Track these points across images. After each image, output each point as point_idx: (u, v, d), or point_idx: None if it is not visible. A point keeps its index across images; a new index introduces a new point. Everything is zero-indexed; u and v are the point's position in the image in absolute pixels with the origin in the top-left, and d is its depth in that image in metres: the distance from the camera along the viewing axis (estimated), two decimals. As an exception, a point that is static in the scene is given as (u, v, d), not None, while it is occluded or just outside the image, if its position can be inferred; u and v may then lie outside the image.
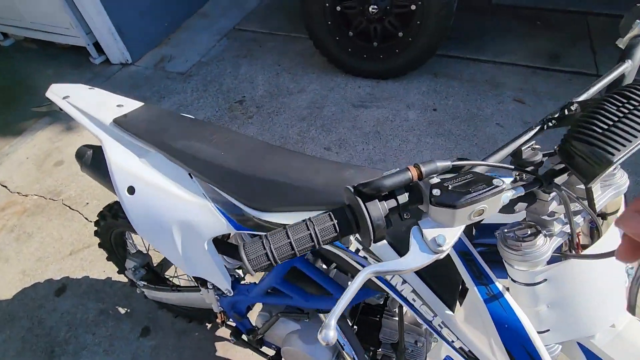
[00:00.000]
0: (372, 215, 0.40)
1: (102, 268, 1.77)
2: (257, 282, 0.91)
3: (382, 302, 0.88)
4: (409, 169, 0.42)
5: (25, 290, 1.74)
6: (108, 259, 1.47)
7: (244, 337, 1.11)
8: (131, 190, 0.84)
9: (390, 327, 0.87)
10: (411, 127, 2.29)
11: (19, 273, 1.80)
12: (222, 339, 1.51)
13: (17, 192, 2.17)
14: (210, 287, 1.01)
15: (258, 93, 2.63)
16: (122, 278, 1.71)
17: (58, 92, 0.98)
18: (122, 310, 1.63)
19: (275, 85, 2.68)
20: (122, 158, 0.86)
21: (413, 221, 0.45)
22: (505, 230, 0.53)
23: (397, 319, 0.87)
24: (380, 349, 0.90)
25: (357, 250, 0.67)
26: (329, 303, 0.79)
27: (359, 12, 2.39)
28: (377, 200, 0.42)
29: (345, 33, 2.49)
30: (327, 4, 2.37)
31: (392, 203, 0.42)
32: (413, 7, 2.24)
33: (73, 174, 2.23)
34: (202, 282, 1.02)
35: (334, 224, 0.43)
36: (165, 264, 1.39)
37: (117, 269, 1.51)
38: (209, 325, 1.55)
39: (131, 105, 0.96)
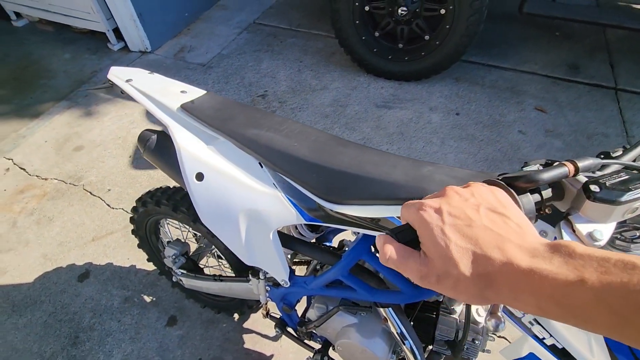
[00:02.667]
0: (525, 208, 0.41)
1: (125, 255, 1.76)
2: (315, 275, 0.91)
3: (440, 299, 0.89)
4: (566, 164, 0.42)
5: (47, 274, 1.72)
6: (139, 246, 1.46)
7: (288, 329, 1.11)
8: (200, 176, 0.84)
9: (447, 324, 0.87)
10: (434, 129, 2.30)
11: (40, 257, 1.78)
12: (249, 330, 1.50)
13: (36, 176, 2.14)
14: (262, 277, 1.01)
15: (280, 88, 2.63)
16: (146, 266, 1.70)
17: (120, 75, 0.97)
18: (147, 299, 1.61)
19: (298, 82, 2.68)
20: (190, 144, 0.85)
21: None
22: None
23: (454, 316, 0.88)
24: (432, 346, 0.91)
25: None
26: (397, 298, 0.79)
27: (387, 13, 2.40)
28: (528, 193, 0.42)
29: (372, 33, 2.49)
30: (357, 3, 2.38)
31: (536, 197, 0.43)
32: (442, 11, 2.26)
33: (93, 159, 2.21)
34: (253, 273, 1.02)
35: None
36: (201, 253, 1.38)
37: (147, 257, 1.50)
38: (236, 317, 1.54)
39: (195, 92, 0.95)
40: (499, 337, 0.92)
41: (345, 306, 0.88)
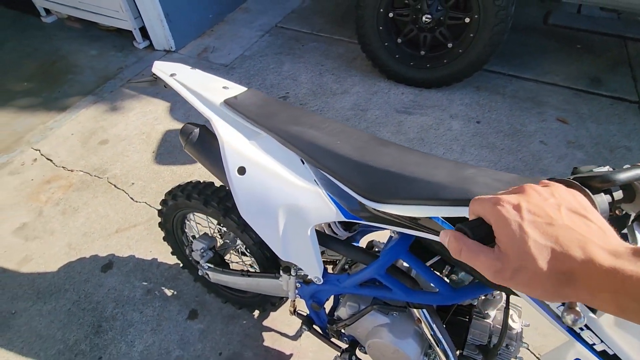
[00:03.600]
0: (600, 208, 0.42)
1: (148, 248, 1.79)
2: (349, 274, 0.92)
3: (474, 304, 0.89)
4: None
5: (71, 263, 1.75)
6: (165, 239, 1.49)
7: (315, 327, 1.12)
8: (242, 170, 0.86)
9: (481, 328, 0.88)
10: (455, 137, 2.31)
11: (65, 246, 1.81)
12: (269, 328, 1.52)
13: (63, 167, 2.19)
14: (294, 274, 1.02)
15: (302, 91, 2.66)
16: (168, 260, 1.73)
17: (164, 69, 1.00)
18: (168, 292, 1.64)
19: (319, 85, 2.71)
20: (233, 138, 0.87)
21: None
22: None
23: (488, 321, 0.88)
24: (463, 351, 0.91)
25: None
26: (433, 298, 0.80)
27: (411, 20, 2.42)
28: (602, 193, 0.43)
29: (394, 40, 2.52)
30: (381, 10, 2.40)
31: (608, 198, 0.44)
32: (467, 19, 2.27)
33: (118, 153, 2.25)
34: (284, 269, 1.04)
35: None
36: (226, 249, 1.40)
37: (171, 250, 1.53)
38: (256, 314, 1.55)
39: (236, 88, 0.98)
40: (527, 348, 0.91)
41: (379, 305, 0.89)
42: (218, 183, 1.26)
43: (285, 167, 0.85)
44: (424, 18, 2.35)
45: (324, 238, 0.92)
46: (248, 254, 1.39)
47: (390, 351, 0.88)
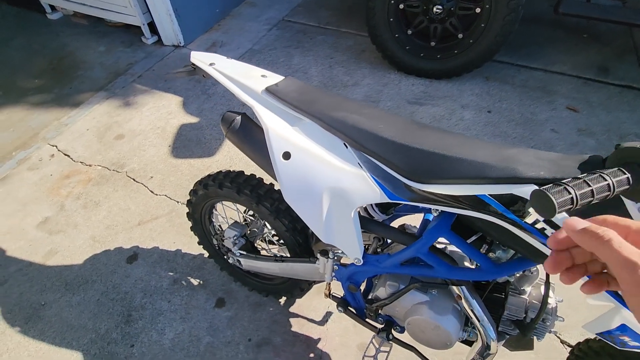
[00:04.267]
0: None
1: (171, 240, 1.82)
2: (390, 253, 0.95)
3: (511, 279, 0.93)
4: None
5: (97, 255, 1.78)
6: (192, 229, 1.52)
7: (350, 308, 1.15)
8: (287, 155, 0.89)
9: (517, 304, 0.91)
10: (467, 126, 2.34)
11: (89, 239, 1.84)
12: (296, 314, 1.55)
13: (81, 162, 2.21)
14: (332, 257, 1.05)
15: (313, 83, 2.68)
16: (193, 250, 1.76)
17: (202, 59, 1.02)
18: (194, 282, 1.67)
19: (329, 77, 2.73)
20: (277, 124, 0.90)
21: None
22: None
23: (524, 296, 0.92)
24: (499, 327, 0.94)
25: (535, 222, 0.72)
26: (476, 274, 0.84)
27: (422, 12, 2.44)
28: None
29: (404, 31, 2.53)
30: (392, 1, 2.42)
31: None
32: (478, 9, 2.29)
33: (134, 148, 2.27)
34: (322, 252, 1.07)
35: (627, 177, 0.48)
36: (256, 236, 1.43)
37: (198, 240, 1.55)
38: (282, 301, 1.59)
39: (274, 77, 1.00)
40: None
41: (419, 283, 0.93)
42: (249, 171, 1.29)
43: (329, 151, 0.88)
44: (434, 9, 2.37)
45: (365, 221, 0.95)
46: (276, 241, 1.42)
47: (430, 327, 0.92)
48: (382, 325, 1.10)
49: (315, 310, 1.56)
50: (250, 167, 2.10)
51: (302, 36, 3.15)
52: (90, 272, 1.72)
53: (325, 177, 0.87)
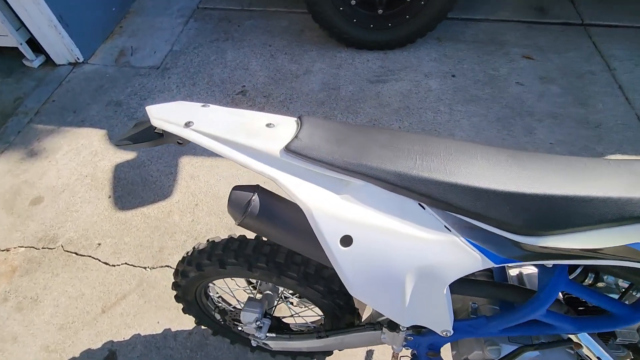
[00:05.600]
0: None
1: (153, 319, 1.46)
2: (486, 316, 0.76)
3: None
4: None
5: (59, 370, 1.37)
6: (185, 311, 1.20)
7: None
8: (347, 241, 0.62)
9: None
10: (438, 97, 2.19)
11: (40, 351, 1.41)
12: (333, 366, 1.34)
13: (-8, 248, 1.68)
14: (403, 329, 0.84)
15: (259, 80, 2.32)
16: (185, 325, 1.43)
17: (169, 119, 0.68)
18: (201, 364, 1.36)
19: (275, 69, 2.38)
20: (322, 201, 0.62)
21: None
22: None
23: (635, 317, 0.79)
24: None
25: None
26: (611, 323, 0.68)
27: (364, -23, 2.17)
28: None
29: (348, 2, 2.25)
30: (330, -30, 2.11)
31: None
32: (425, -33, 2.09)
33: (62, 211, 1.78)
34: (390, 325, 0.84)
35: None
36: (274, 302, 1.15)
37: (195, 321, 1.24)
38: None
39: (284, 122, 0.70)
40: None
41: (533, 346, 0.75)
42: (249, 235, 0.99)
43: (401, 219, 0.63)
44: (378, -28, 2.11)
45: (458, 285, 0.73)
46: (297, 299, 1.16)
47: (549, 386, 0.77)
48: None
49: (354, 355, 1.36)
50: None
51: (228, 25, 2.71)
52: (58, 394, 1.32)
53: (405, 256, 0.63)
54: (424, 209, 0.64)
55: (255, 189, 0.71)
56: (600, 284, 0.76)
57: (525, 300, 0.72)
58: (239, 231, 1.66)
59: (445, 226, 0.63)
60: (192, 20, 2.76)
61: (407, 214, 0.63)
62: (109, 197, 1.82)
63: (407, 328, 0.84)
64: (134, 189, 1.84)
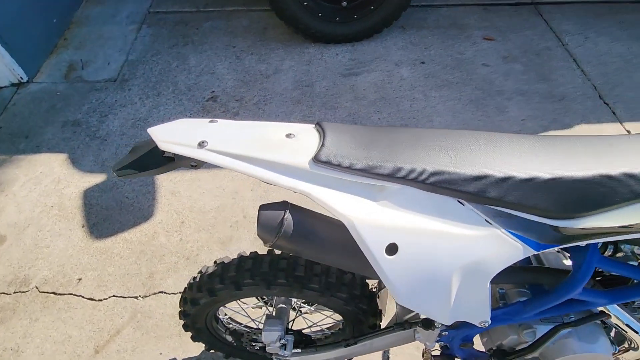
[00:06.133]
0: None
1: (154, 351, 1.36)
2: (521, 300, 0.76)
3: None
4: None
5: None
6: (195, 339, 1.12)
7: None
8: (392, 249, 0.59)
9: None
10: (411, 85, 2.21)
11: (30, 407, 1.27)
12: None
13: (-47, 301, 1.48)
14: (438, 325, 0.82)
15: (228, 84, 2.22)
16: (191, 352, 1.35)
17: (180, 140, 0.61)
18: (215, 390, 1.29)
19: (244, 71, 2.29)
20: (361, 211, 0.58)
21: None
22: None
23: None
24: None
25: None
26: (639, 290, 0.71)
27: (325, -30, 2.12)
28: None
29: (311, -4, 2.21)
30: (291, -36, 2.04)
31: None
32: (385, -45, 2.08)
33: (29, 249, 1.60)
34: (425, 323, 0.83)
35: None
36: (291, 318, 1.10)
37: (206, 347, 1.17)
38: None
39: (303, 130, 0.65)
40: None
41: (569, 324, 0.77)
42: (262, 250, 0.94)
43: (442, 219, 0.61)
44: (339, -36, 2.08)
45: (496, 275, 0.73)
46: (318, 313, 1.12)
47: (586, 359, 0.79)
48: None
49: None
50: (230, 208, 1.66)
51: (185, 28, 2.57)
52: None
53: (450, 255, 0.61)
54: (463, 205, 0.62)
55: (285, 206, 0.66)
56: (619, 254, 0.78)
57: (559, 281, 0.73)
58: (231, 247, 1.59)
59: (486, 220, 0.62)
60: (145, 26, 2.58)
61: (448, 213, 0.61)
62: (83, 226, 1.66)
63: (439, 325, 0.83)
64: (110, 214, 1.70)
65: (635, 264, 0.77)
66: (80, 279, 1.52)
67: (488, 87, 2.20)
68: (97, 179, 1.82)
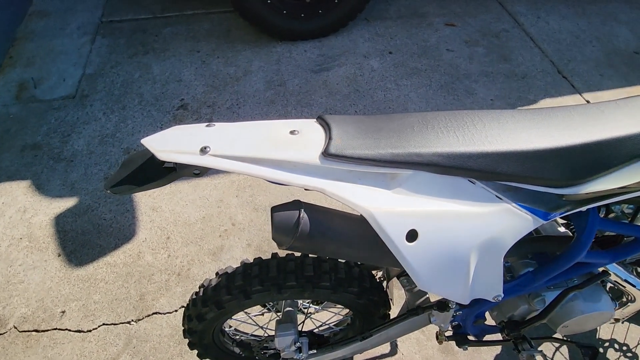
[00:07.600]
0: None
1: (156, 375, 1.29)
2: (530, 270, 0.79)
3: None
4: None
5: None
6: (201, 356, 1.08)
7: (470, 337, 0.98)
8: (412, 235, 0.59)
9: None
10: (382, 75, 2.24)
11: None
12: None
13: None
14: (452, 306, 0.83)
15: (198, 90, 2.15)
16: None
17: (180, 147, 0.57)
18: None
19: (212, 76, 2.22)
20: (378, 201, 0.58)
21: None
22: None
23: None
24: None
25: None
26: (637, 246, 0.75)
27: (285, -34, 2.10)
28: None
29: (273, -6, 2.17)
30: (250, -37, 2.00)
31: None
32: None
33: (2, 285, 1.47)
34: (440, 305, 0.83)
35: None
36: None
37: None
38: None
39: (306, 125, 0.63)
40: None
41: (577, 287, 0.80)
42: (265, 255, 0.92)
43: (456, 200, 0.61)
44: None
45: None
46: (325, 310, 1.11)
47: (590, 320, 0.83)
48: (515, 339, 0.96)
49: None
50: (213, 216, 1.60)
51: (144, 36, 2.45)
52: None
53: (467, 235, 0.62)
54: (474, 184, 0.63)
55: (299, 205, 0.64)
56: (610, 215, 0.83)
57: (562, 247, 0.76)
58: (223, 257, 1.54)
59: (497, 196, 0.63)
60: (99, 36, 2.44)
61: (461, 193, 0.62)
62: (59, 255, 1.55)
63: (454, 305, 0.84)
64: (88, 238, 1.59)
65: (627, 222, 0.82)
66: (63, 312, 1.42)
67: (455, 72, 2.26)
68: (68, 203, 1.70)
